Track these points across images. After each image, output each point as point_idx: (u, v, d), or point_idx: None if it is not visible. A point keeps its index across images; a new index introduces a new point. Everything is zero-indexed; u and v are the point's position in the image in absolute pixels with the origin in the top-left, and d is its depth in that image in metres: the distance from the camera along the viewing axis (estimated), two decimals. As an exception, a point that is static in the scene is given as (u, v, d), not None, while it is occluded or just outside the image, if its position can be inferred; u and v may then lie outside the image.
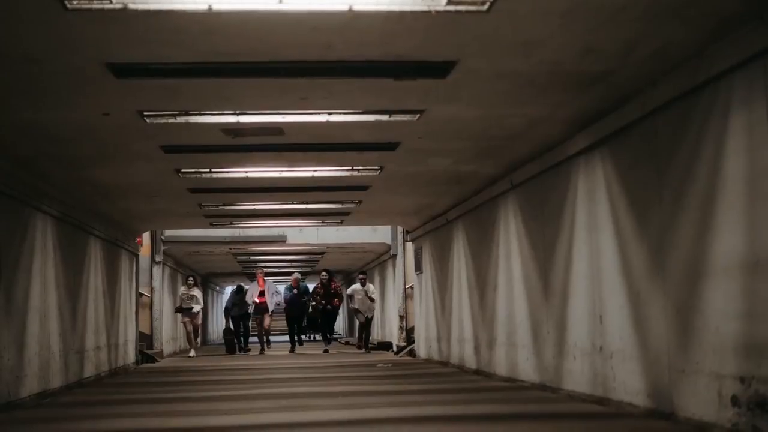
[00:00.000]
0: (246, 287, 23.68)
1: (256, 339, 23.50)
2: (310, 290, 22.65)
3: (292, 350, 21.95)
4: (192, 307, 21.26)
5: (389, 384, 11.35)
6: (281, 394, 10.11)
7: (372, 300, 21.43)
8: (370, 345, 21.84)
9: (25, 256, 10.08)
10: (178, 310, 21.71)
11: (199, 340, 22.88)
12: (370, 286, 22.04)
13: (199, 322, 22.02)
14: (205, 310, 25.23)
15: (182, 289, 21.88)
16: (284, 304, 22.54)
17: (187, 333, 21.71)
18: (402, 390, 10.33)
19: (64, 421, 8.24)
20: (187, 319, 21.39)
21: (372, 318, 21.87)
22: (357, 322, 23.44)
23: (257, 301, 22.29)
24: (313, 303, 22.25)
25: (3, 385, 9.02)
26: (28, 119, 8.18)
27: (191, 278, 21.92)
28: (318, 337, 40.06)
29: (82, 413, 8.89)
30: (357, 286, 21.65)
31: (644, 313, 7.25)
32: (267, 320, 22.47)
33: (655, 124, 7.05)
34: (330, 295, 21.79)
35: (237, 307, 23.27)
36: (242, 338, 23.57)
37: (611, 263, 7.93)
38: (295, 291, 22.31)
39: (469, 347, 13.46)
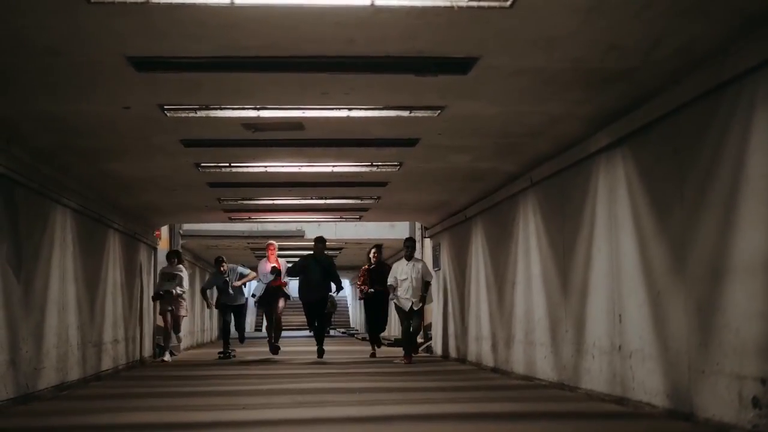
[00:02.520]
0: (236, 268, 18.12)
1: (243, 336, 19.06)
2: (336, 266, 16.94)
3: (319, 354, 16.16)
4: (173, 290, 16.49)
5: (406, 381, 11.33)
6: (299, 389, 10.11)
7: (427, 285, 15.35)
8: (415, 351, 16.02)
9: (44, 249, 10.11)
10: (156, 297, 16.87)
11: (180, 335, 17.27)
12: (424, 264, 15.66)
13: (183, 313, 16.85)
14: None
15: (162, 267, 17.04)
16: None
17: (165, 325, 16.66)
18: (419, 387, 10.31)
19: (82, 414, 8.26)
20: (169, 308, 16.54)
21: (422, 311, 15.47)
22: (397, 321, 17.91)
23: (262, 281, 16.87)
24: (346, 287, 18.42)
25: (21, 377, 9.05)
26: (48, 111, 8.20)
27: (173, 252, 17.34)
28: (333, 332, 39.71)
29: (100, 406, 8.91)
30: (402, 264, 15.25)
31: (664, 312, 7.20)
32: (281, 305, 16.72)
33: (678, 122, 6.99)
34: (382, 278, 16.07)
35: (224, 294, 17.91)
36: (225, 336, 18.07)
37: (631, 262, 7.88)
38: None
39: (487, 345, 13.42)
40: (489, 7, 5.57)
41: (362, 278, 17.15)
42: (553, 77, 7.27)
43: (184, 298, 16.87)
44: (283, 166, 11.61)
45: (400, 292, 14.98)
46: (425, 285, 15.16)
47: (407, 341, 15.21)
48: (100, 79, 7.19)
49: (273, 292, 16.67)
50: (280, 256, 17.16)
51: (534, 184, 10.80)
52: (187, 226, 21.35)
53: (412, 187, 13.43)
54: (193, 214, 17.78)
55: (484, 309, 13.60)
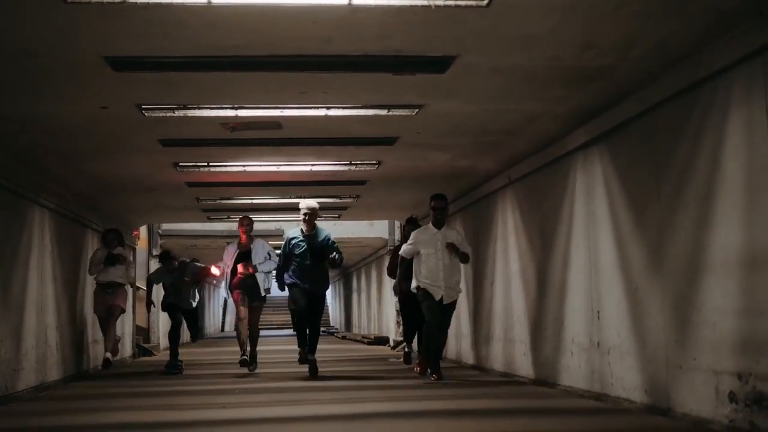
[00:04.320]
0: (194, 266, 14.06)
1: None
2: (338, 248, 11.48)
3: (312, 371, 11.38)
4: (116, 282, 12.71)
5: (386, 379, 11.35)
6: (279, 388, 10.10)
7: (465, 258, 10.58)
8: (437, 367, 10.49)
9: (22, 249, 10.06)
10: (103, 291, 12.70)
11: (118, 335, 13.77)
12: (459, 234, 10.88)
13: (123, 305, 13.01)
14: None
15: (98, 252, 12.79)
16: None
17: (106, 323, 12.73)
18: (399, 385, 10.33)
19: (61, 414, 8.23)
20: (110, 302, 12.66)
21: (454, 306, 10.67)
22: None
23: (226, 271, 12.40)
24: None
25: (0, 378, 9.00)
26: (26, 112, 8.17)
27: (111, 233, 12.94)
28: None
29: (80, 406, 8.88)
30: (427, 232, 10.56)
31: (642, 309, 7.25)
32: (256, 315, 12.56)
33: (655, 120, 7.04)
34: None
35: (173, 294, 13.57)
36: (173, 344, 13.52)
37: (609, 259, 7.92)
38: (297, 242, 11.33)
39: (467, 342, 13.46)
40: (466, 6, 5.60)
41: (394, 264, 12.69)
42: (530, 76, 7.30)
43: (126, 290, 13.26)
44: (261, 165, 11.61)
45: (423, 271, 10.34)
46: (462, 259, 10.47)
47: (436, 347, 10.50)
48: (78, 80, 7.18)
49: (241, 286, 12.22)
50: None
51: (512, 182, 10.84)
52: (165, 226, 21.31)
53: (391, 186, 13.45)
54: (171, 213, 17.75)
55: (464, 307, 13.63)
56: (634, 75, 7.03)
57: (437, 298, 10.31)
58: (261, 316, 13.06)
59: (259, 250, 12.33)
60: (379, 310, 26.10)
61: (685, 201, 6.53)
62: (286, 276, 11.39)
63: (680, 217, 6.59)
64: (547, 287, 9.65)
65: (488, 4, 5.58)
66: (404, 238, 12.07)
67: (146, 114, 8.32)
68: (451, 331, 14.52)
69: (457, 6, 5.58)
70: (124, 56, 6.57)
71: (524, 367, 10.45)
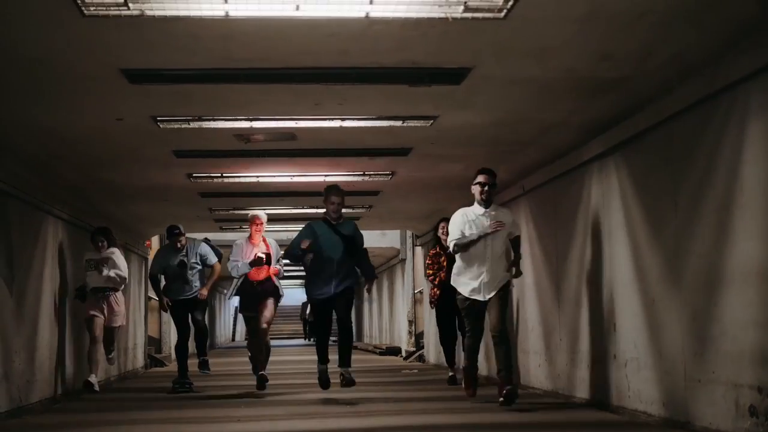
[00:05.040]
0: (201, 246, 11.96)
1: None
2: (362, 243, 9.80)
3: (323, 384, 9.82)
4: (106, 288, 11.18)
5: (397, 391, 11.31)
6: (294, 401, 10.07)
7: (516, 247, 8.90)
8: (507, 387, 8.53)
9: (36, 260, 10.07)
10: (80, 297, 11.32)
11: (113, 355, 11.84)
12: (509, 213, 9.05)
13: (120, 321, 11.53)
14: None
15: (86, 254, 11.37)
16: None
17: (93, 339, 11.13)
18: (413, 397, 10.29)
19: (75, 428, 8.21)
20: (96, 314, 11.14)
21: (505, 294, 8.77)
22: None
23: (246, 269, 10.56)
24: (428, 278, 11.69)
25: (14, 390, 9.00)
26: (41, 123, 8.18)
27: (101, 230, 11.46)
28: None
29: (94, 419, 8.86)
30: (472, 213, 8.74)
31: (659, 321, 7.21)
32: (269, 312, 10.59)
33: (672, 130, 7.01)
34: None
35: (178, 282, 11.68)
36: (180, 355, 11.99)
37: (625, 270, 7.88)
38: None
39: (480, 353, 13.39)
40: (483, 19, 5.59)
41: (432, 269, 11.63)
42: (545, 87, 7.28)
43: (119, 297, 11.40)
44: (274, 176, 11.62)
45: (463, 263, 8.60)
46: (514, 245, 8.82)
47: (471, 359, 9.00)
48: (94, 91, 7.18)
49: (255, 291, 10.58)
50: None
51: (526, 192, 10.81)
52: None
53: (404, 196, 13.44)
54: (184, 223, 17.59)
55: (476, 317, 13.58)
56: (651, 86, 7.00)
57: (482, 299, 8.55)
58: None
59: (275, 253, 10.74)
60: (391, 319, 26.06)
61: (702, 212, 6.50)
62: (306, 283, 9.68)
63: (698, 228, 6.56)
64: (562, 298, 9.61)
65: (505, 17, 5.57)
66: (439, 245, 11.32)
67: (161, 125, 8.32)
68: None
69: (474, 18, 5.57)
70: (141, 69, 6.57)
71: (539, 378, 10.40)
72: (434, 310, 11.78)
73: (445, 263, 11.15)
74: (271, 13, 5.42)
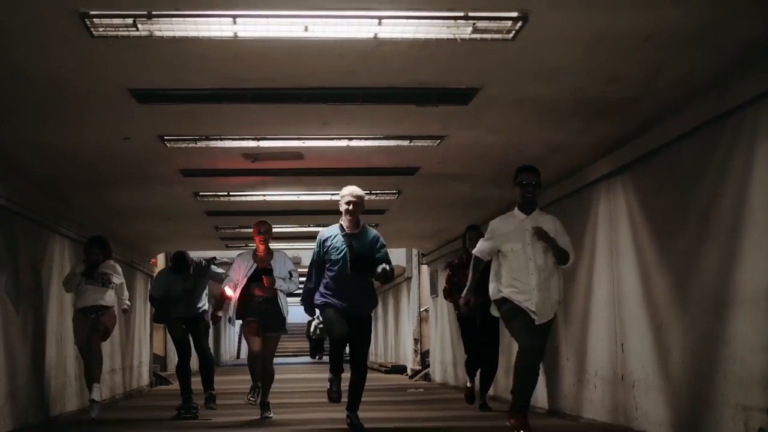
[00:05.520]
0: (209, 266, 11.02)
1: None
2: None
3: (333, 397, 8.26)
4: (102, 305, 10.02)
5: (404, 411, 11.26)
6: (299, 420, 10.03)
7: (563, 256, 7.55)
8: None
9: (43, 279, 10.07)
10: (82, 318, 10.01)
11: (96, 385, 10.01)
12: (556, 221, 7.75)
13: (112, 329, 10.43)
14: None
15: (77, 268, 10.16)
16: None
17: (90, 355, 10.00)
18: (418, 417, 10.25)
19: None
20: (95, 332, 9.97)
21: (550, 328, 7.66)
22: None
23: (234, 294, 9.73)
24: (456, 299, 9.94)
25: (20, 409, 8.98)
26: (49, 141, 8.19)
27: (96, 240, 10.24)
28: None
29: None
30: (511, 221, 7.69)
31: (667, 342, 7.18)
32: (272, 345, 9.74)
33: (680, 151, 7.00)
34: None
35: (180, 304, 10.66)
36: (183, 378, 10.79)
37: (633, 291, 7.86)
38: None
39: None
40: (492, 40, 5.58)
41: (452, 282, 10.78)
42: (553, 107, 7.28)
43: (112, 313, 10.30)
44: (281, 195, 11.61)
45: (507, 276, 7.41)
46: (560, 257, 7.46)
47: (524, 385, 7.44)
48: (102, 110, 7.20)
49: (258, 305, 9.52)
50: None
51: (533, 212, 10.77)
52: (184, 254, 21.27)
53: (410, 215, 13.42)
54: (190, 241, 17.71)
55: (482, 336, 13.53)
56: (659, 106, 7.00)
57: (530, 313, 7.29)
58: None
59: (281, 267, 9.48)
60: (396, 337, 26.00)
61: (711, 233, 6.48)
62: (316, 295, 8.14)
63: (706, 250, 6.53)
64: (569, 318, 9.58)
65: (513, 38, 5.57)
66: (466, 256, 10.02)
67: (168, 145, 8.33)
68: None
69: (482, 39, 5.57)
70: (149, 88, 6.58)
71: (545, 398, 10.36)
72: (458, 321, 10.88)
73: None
74: (279, 34, 5.42)
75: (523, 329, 7.31)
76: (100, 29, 5.22)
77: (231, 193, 11.44)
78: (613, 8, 5.21)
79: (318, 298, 8.12)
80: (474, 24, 5.35)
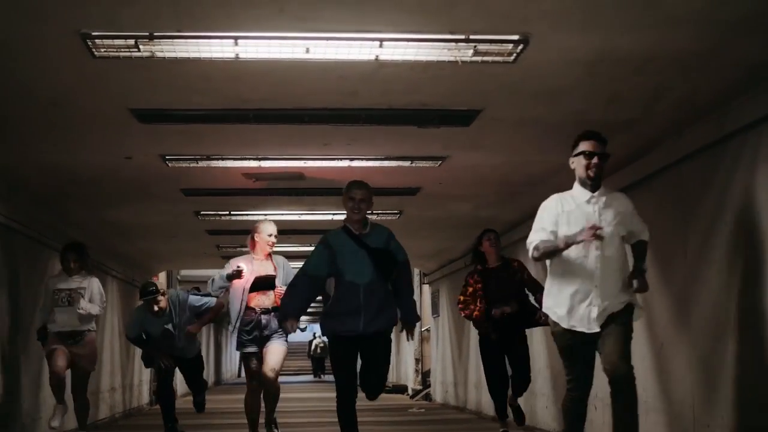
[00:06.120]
0: (186, 298, 9.50)
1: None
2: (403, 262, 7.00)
3: None
4: (75, 331, 8.82)
5: (405, 430, 11.22)
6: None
7: (639, 256, 5.89)
8: None
9: (42, 297, 10.04)
10: (42, 336, 8.86)
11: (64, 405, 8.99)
12: (627, 202, 6.00)
13: (94, 366, 9.34)
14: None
15: (52, 281, 9.04)
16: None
17: (56, 377, 8.76)
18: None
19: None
20: (60, 349, 8.72)
21: (626, 323, 5.78)
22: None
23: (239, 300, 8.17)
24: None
25: (19, 428, 8.95)
26: (50, 160, 8.21)
27: (73, 246, 9.12)
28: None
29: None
30: (567, 200, 5.90)
31: (668, 365, 7.16)
32: (275, 356, 8.12)
33: (681, 172, 7.00)
34: (507, 288, 8.57)
35: (164, 348, 9.43)
36: (165, 406, 9.84)
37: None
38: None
39: (487, 393, 13.31)
40: (493, 62, 5.59)
41: (470, 290, 8.73)
42: (555, 128, 7.28)
43: (91, 332, 8.98)
44: (282, 214, 11.61)
45: (564, 280, 5.79)
46: (636, 251, 5.96)
47: (574, 426, 6.01)
48: (104, 130, 7.21)
49: (257, 324, 8.13)
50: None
51: (534, 233, 10.75)
52: (184, 272, 21.31)
53: (411, 235, 13.39)
54: (191, 260, 17.77)
55: (483, 357, 13.50)
56: (660, 128, 7.00)
57: (589, 330, 5.63)
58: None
59: (285, 275, 8.09)
60: (398, 357, 25.96)
61: (712, 255, 6.47)
62: (323, 318, 6.78)
63: (707, 272, 6.52)
64: (570, 340, 9.54)
65: (515, 60, 5.58)
66: (477, 258, 8.77)
67: (170, 164, 8.34)
68: (471, 382, 14.38)
69: (483, 62, 5.58)
70: (150, 108, 6.60)
71: (546, 420, 10.33)
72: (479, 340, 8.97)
73: (481, 290, 8.60)
74: (281, 55, 5.44)
75: (577, 359, 5.80)
76: (102, 50, 5.24)
77: (232, 213, 11.45)
78: (613, 30, 5.22)
79: (326, 323, 6.70)
80: (475, 47, 5.37)
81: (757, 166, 5.88)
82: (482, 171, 8.91)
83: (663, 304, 7.26)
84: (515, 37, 5.27)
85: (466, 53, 5.46)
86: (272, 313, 8.04)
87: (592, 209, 5.74)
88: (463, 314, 8.83)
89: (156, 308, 9.25)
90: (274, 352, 8.10)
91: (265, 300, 8.15)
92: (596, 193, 5.79)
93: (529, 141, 7.74)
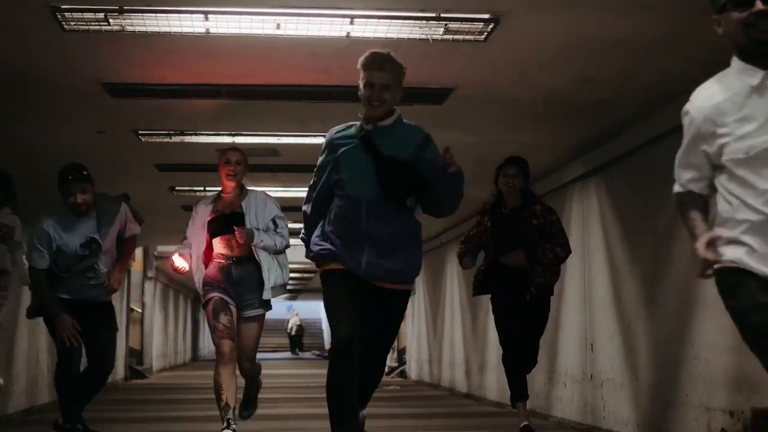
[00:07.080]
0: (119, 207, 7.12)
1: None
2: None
3: None
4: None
5: (378, 407, 11.29)
6: (276, 415, 10.04)
7: None
8: None
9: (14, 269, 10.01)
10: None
11: None
12: None
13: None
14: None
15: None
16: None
17: None
18: (391, 414, 10.29)
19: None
20: None
21: None
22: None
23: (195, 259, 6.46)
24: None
25: (-9, 401, 8.97)
26: (23, 138, 8.18)
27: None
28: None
29: None
30: (725, 84, 3.32)
31: (635, 342, 7.24)
32: (252, 343, 6.45)
33: (652, 154, 7.05)
34: (521, 232, 7.05)
35: (70, 280, 6.68)
36: (61, 390, 6.78)
37: (603, 291, 7.92)
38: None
39: (460, 371, 13.42)
40: (463, 41, 5.61)
41: (475, 237, 7.48)
42: (527, 108, 7.32)
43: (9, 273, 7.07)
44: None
45: (745, 201, 3.09)
46: None
47: None
48: (75, 105, 7.18)
49: (226, 273, 6.48)
50: None
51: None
52: (161, 248, 21.26)
53: (387, 213, 13.44)
54: (167, 236, 17.69)
55: (458, 335, 13.60)
56: (632, 109, 7.05)
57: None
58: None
59: (258, 213, 6.66)
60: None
61: (679, 235, 6.52)
62: (314, 238, 4.85)
63: (675, 252, 6.59)
64: (542, 318, 9.62)
65: (486, 39, 5.60)
66: (478, 234, 7.26)
67: (142, 139, 8.32)
68: (445, 359, 14.48)
69: (454, 40, 5.59)
70: (122, 83, 6.57)
71: (518, 397, 10.39)
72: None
73: (491, 229, 7.09)
74: (251, 31, 5.43)
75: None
76: (72, 23, 5.22)
77: (207, 188, 11.42)
78: (585, 11, 5.24)
79: (315, 244, 4.80)
80: (446, 25, 5.38)
81: (725, 147, 5.92)
82: (456, 150, 8.76)
83: (631, 283, 7.34)
84: (486, 16, 5.28)
85: (437, 31, 5.47)
86: (247, 264, 6.28)
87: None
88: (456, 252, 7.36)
89: (79, 200, 6.50)
90: (250, 337, 6.43)
91: (231, 246, 6.37)
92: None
93: (503, 120, 7.76)
